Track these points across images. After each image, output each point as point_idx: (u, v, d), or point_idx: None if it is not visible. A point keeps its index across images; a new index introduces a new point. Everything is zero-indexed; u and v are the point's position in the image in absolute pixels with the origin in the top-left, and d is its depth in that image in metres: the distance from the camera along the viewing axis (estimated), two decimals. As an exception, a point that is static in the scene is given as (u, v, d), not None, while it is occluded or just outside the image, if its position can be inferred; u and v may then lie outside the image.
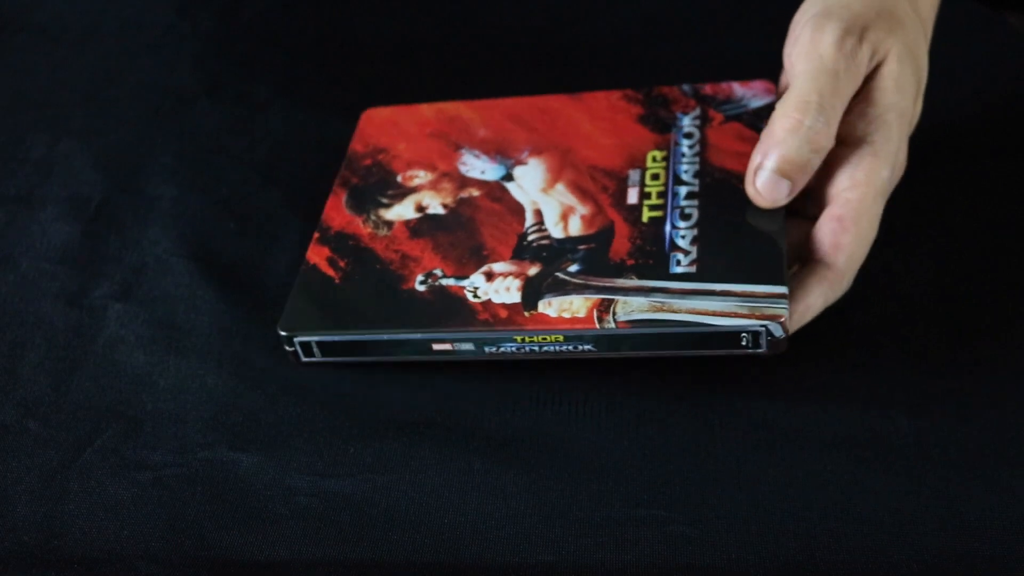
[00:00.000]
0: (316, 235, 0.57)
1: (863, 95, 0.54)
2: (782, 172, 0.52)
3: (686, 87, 0.61)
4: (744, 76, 0.62)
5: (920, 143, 0.64)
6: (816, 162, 0.53)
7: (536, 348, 0.51)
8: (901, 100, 0.54)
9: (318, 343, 0.53)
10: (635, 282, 0.51)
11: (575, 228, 0.55)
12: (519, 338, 0.51)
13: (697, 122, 0.59)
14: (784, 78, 0.57)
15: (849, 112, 0.53)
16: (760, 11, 0.69)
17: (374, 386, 0.54)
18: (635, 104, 0.61)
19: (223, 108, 0.68)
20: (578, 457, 0.51)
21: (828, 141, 0.52)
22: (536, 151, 0.59)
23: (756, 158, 0.53)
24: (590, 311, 0.50)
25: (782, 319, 0.49)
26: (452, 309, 0.52)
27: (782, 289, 0.50)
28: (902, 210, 0.61)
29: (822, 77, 0.52)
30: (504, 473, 0.51)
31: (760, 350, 0.50)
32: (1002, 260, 0.59)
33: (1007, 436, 0.52)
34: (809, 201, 0.55)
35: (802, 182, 0.53)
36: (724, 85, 0.60)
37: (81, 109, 0.66)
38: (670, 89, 0.61)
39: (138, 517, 0.50)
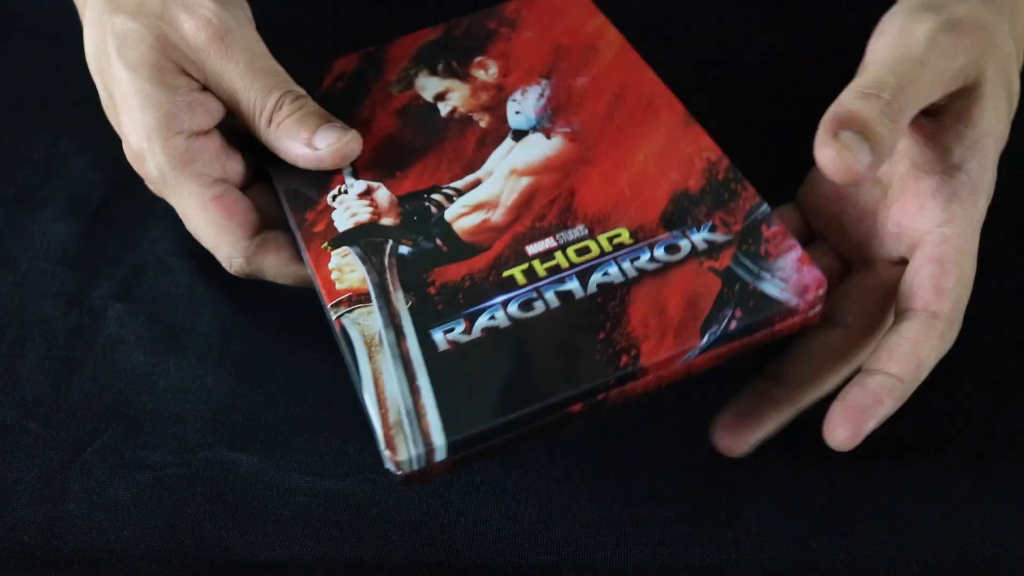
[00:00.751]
0: (369, 49, 0.57)
1: (958, 115, 0.48)
2: (863, 133, 0.44)
3: (760, 209, 0.49)
4: (746, 77, 0.61)
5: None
6: (889, 147, 0.45)
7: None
8: (997, 125, 0.48)
9: None
10: (402, 306, 0.47)
11: (467, 223, 0.50)
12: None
13: (705, 244, 0.48)
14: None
15: (943, 134, 0.48)
16: (762, 13, 0.69)
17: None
18: (699, 172, 0.50)
19: (223, 108, 0.68)
20: (578, 457, 0.51)
21: (898, 131, 0.45)
22: (570, 137, 0.52)
23: (824, 129, 0.45)
24: (348, 290, 0.47)
25: (395, 460, 0.43)
26: (308, 186, 0.51)
27: (441, 442, 0.43)
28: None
29: (905, 63, 0.46)
30: (504, 473, 0.51)
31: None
32: (1002, 260, 0.59)
33: (1007, 436, 0.52)
34: (879, 240, 0.50)
35: (880, 161, 0.44)
36: (785, 240, 0.48)
37: (81, 109, 0.66)
38: (747, 190, 0.49)
39: (138, 518, 0.50)
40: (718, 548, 0.48)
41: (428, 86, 0.55)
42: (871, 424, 0.45)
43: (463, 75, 0.55)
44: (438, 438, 0.43)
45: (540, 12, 0.58)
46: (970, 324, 0.56)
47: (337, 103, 0.54)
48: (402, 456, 0.43)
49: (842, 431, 0.45)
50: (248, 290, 0.57)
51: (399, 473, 0.43)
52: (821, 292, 0.46)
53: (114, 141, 0.64)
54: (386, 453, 0.43)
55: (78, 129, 0.66)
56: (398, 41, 0.57)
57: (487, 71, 0.55)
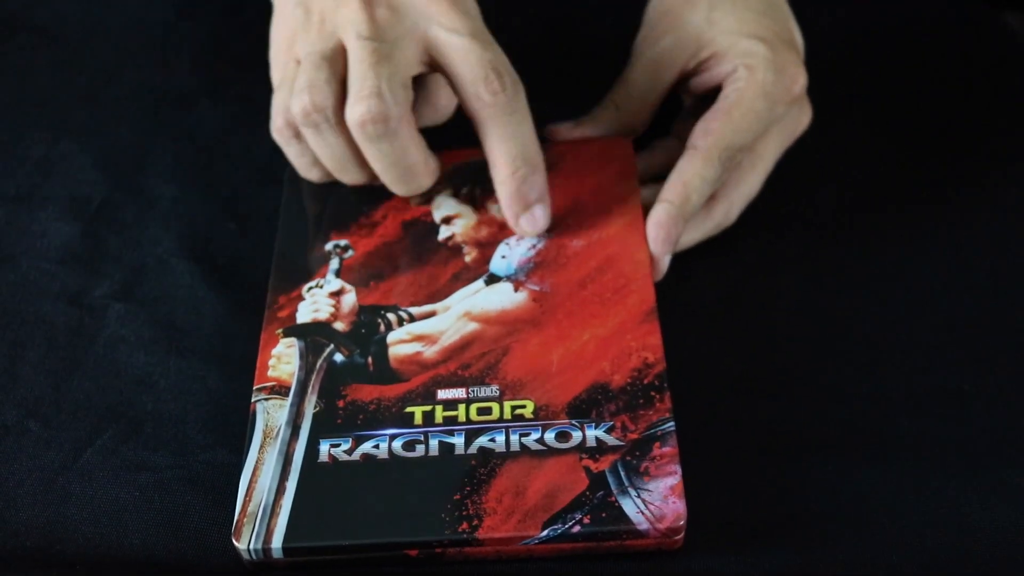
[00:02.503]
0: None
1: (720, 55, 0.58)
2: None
3: (664, 426, 0.49)
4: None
5: (918, 142, 0.64)
6: (612, 123, 0.60)
7: None
8: (750, 44, 0.57)
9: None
10: (310, 410, 0.50)
11: (402, 351, 0.52)
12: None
13: (594, 442, 0.49)
14: None
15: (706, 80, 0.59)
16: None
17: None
18: (629, 369, 0.51)
19: (223, 108, 0.68)
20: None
21: (629, 116, 0.60)
22: (535, 296, 0.54)
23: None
24: (275, 380, 0.51)
25: (237, 546, 0.47)
26: (296, 268, 0.56)
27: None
28: (901, 210, 0.61)
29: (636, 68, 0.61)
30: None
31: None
32: (1001, 259, 0.59)
33: (1007, 436, 0.52)
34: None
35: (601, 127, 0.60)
36: (669, 464, 0.48)
37: (81, 109, 0.66)
38: (664, 402, 0.50)
39: (140, 521, 0.50)
40: (715, 549, 0.48)
41: (443, 206, 0.58)
42: (668, 247, 0.55)
43: (478, 204, 0.58)
44: (277, 541, 0.46)
45: (582, 160, 0.59)
46: (970, 323, 0.56)
47: (362, 200, 0.58)
48: (242, 545, 0.47)
49: (655, 255, 0.55)
50: (249, 291, 0.57)
51: (244, 558, 0.47)
52: (678, 525, 0.46)
53: (114, 141, 0.64)
54: (232, 539, 0.47)
55: (78, 129, 0.66)
56: (445, 153, 0.58)
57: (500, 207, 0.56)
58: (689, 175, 0.55)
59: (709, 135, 0.55)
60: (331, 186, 0.59)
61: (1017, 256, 0.59)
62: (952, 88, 0.66)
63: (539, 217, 0.56)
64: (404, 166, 0.55)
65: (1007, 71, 0.68)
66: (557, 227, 0.56)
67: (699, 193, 0.55)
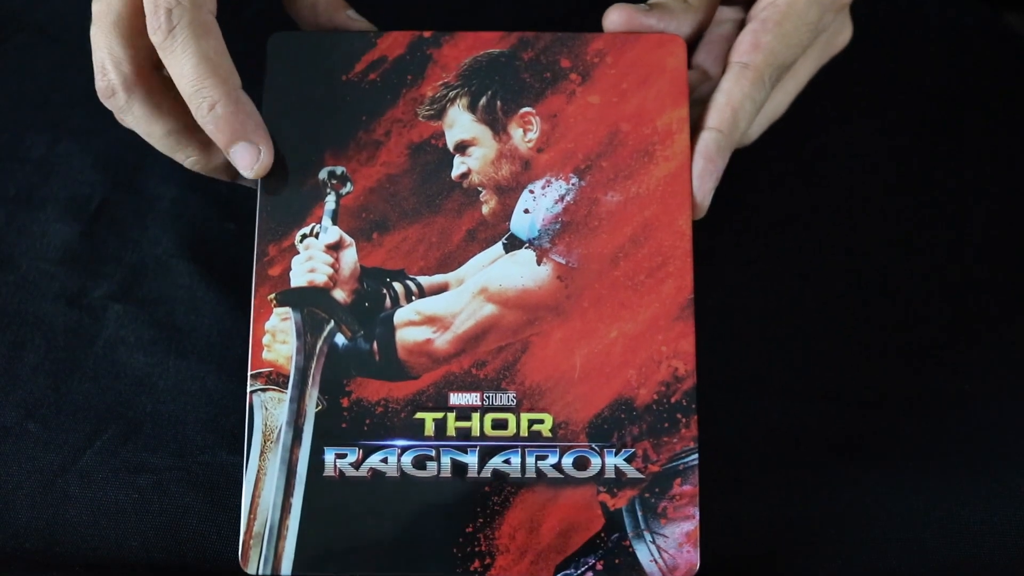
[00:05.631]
0: (423, 34, 0.52)
1: None
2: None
3: (688, 459, 0.47)
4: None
5: (918, 142, 0.64)
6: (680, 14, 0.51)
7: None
8: None
9: None
10: (311, 408, 0.48)
11: (411, 336, 0.48)
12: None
13: (613, 473, 0.47)
14: None
15: None
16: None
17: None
18: (657, 383, 0.48)
19: (223, 108, 0.67)
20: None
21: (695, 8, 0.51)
22: (560, 272, 0.49)
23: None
24: (271, 365, 0.48)
25: (244, 569, 0.46)
26: (288, 206, 0.50)
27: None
28: (902, 210, 0.61)
29: None
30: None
31: None
32: (1002, 260, 0.59)
33: (1007, 436, 0.52)
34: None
35: (667, 19, 0.52)
36: (687, 507, 0.47)
37: (81, 109, 0.66)
38: (690, 428, 0.48)
39: (139, 523, 0.50)
40: (714, 550, 0.48)
41: (457, 124, 0.50)
42: (714, 181, 0.49)
43: (499, 126, 0.50)
44: (286, 568, 0.46)
45: (624, 66, 0.51)
46: (970, 324, 0.57)
47: (360, 100, 0.51)
48: (251, 570, 0.46)
49: (701, 191, 0.49)
50: (248, 291, 0.57)
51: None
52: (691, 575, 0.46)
53: (114, 141, 0.64)
54: (240, 563, 0.46)
55: (78, 129, 0.65)
56: (458, 36, 0.51)
57: (526, 133, 0.50)
58: (738, 98, 0.49)
59: (759, 50, 0.49)
60: (319, 68, 0.52)
61: (1016, 255, 0.59)
62: (952, 88, 0.66)
63: (238, 156, 0.50)
64: (168, 144, 0.51)
65: (1007, 71, 0.68)
66: (592, 168, 0.50)
67: (748, 118, 0.50)
